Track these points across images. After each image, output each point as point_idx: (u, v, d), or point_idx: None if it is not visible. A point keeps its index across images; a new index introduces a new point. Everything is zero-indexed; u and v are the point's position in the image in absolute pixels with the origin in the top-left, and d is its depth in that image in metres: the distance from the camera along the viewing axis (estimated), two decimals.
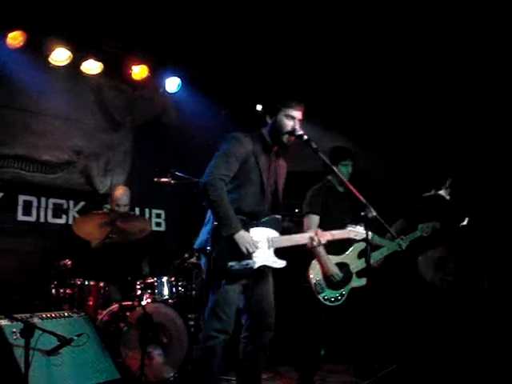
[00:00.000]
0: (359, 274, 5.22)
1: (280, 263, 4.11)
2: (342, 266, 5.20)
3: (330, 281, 5.09)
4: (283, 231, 4.22)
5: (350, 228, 4.35)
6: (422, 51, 6.27)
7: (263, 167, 4.11)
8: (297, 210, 6.42)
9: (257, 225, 4.05)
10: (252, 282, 4.08)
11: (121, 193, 5.94)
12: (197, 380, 4.02)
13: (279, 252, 4.16)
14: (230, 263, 3.88)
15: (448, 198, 5.56)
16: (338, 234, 4.35)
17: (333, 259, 5.15)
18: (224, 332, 3.94)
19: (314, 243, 4.15)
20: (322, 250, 5.02)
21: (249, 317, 4.14)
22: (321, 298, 5.09)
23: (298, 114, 4.11)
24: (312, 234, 4.17)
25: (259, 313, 4.12)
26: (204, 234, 4.07)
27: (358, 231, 4.34)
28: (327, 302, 5.10)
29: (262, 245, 4.02)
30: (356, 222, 4.31)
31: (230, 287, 3.94)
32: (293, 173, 4.53)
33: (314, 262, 5.08)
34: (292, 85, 6.49)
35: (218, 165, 3.96)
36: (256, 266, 3.96)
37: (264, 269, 4.08)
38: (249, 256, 3.91)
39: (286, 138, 4.10)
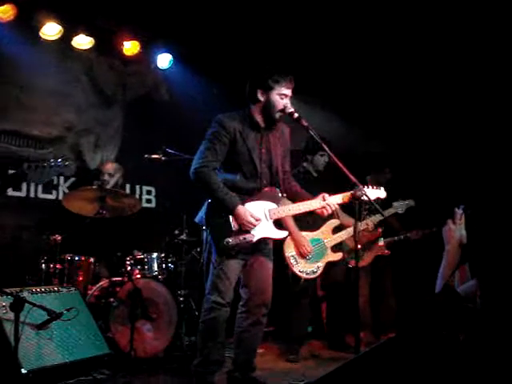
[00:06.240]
0: (334, 249, 5.46)
1: (280, 233, 4.20)
2: (316, 240, 5.40)
3: (303, 255, 5.26)
4: None
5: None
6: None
7: (252, 145, 4.15)
8: None
9: (253, 199, 4.10)
10: (252, 256, 4.17)
11: (110, 165, 6.24)
12: (202, 351, 4.10)
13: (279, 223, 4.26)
14: (227, 239, 3.94)
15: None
16: (345, 196, 4.16)
17: (306, 235, 5.33)
18: (224, 305, 4.06)
19: (328, 210, 4.12)
20: (293, 225, 5.18)
21: (247, 291, 4.23)
22: (296, 270, 5.30)
23: (289, 92, 4.14)
24: (320, 200, 4.13)
25: (256, 288, 4.22)
26: (203, 209, 4.16)
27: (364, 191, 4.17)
28: (303, 275, 5.31)
29: (260, 218, 4.07)
30: None
31: (229, 262, 4.04)
32: None
33: (288, 237, 5.16)
34: (284, 61, 6.46)
35: (204, 152, 4.07)
36: (255, 239, 4.04)
37: (264, 242, 4.18)
38: (246, 230, 3.99)
39: (278, 115, 4.15)
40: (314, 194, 4.27)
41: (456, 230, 2.99)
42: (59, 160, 3.70)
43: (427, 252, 4.55)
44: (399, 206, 5.55)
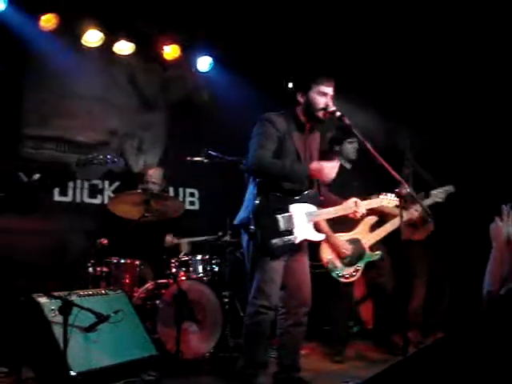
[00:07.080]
0: (372, 248, 5.31)
1: (319, 236, 4.25)
2: (354, 241, 5.26)
3: (341, 258, 5.16)
4: None
5: (382, 196, 4.45)
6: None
7: (298, 145, 4.16)
8: None
9: (295, 201, 4.09)
10: (290, 257, 4.14)
11: (153, 171, 6.18)
12: (247, 353, 4.12)
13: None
14: (274, 240, 3.94)
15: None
16: (373, 202, 4.47)
17: (344, 236, 5.22)
18: (271, 308, 4.05)
19: (358, 214, 4.25)
20: (327, 227, 5.02)
21: (285, 292, 4.21)
22: (335, 275, 5.17)
23: (329, 90, 4.12)
24: (353, 204, 4.23)
25: (295, 288, 4.21)
26: (245, 211, 4.15)
27: (390, 199, 4.46)
28: (342, 279, 5.20)
29: (302, 220, 4.07)
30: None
31: (274, 264, 4.02)
32: None
33: (323, 242, 5.05)
34: (323, 61, 6.43)
35: (257, 150, 4.03)
36: (297, 240, 4.04)
37: (302, 243, 4.16)
38: (290, 232, 3.99)
39: (321, 113, 4.13)
40: (353, 188, 4.28)
41: (503, 227, 2.95)
42: (108, 156, 3.74)
43: (476, 249, 4.50)
44: (438, 194, 5.31)
